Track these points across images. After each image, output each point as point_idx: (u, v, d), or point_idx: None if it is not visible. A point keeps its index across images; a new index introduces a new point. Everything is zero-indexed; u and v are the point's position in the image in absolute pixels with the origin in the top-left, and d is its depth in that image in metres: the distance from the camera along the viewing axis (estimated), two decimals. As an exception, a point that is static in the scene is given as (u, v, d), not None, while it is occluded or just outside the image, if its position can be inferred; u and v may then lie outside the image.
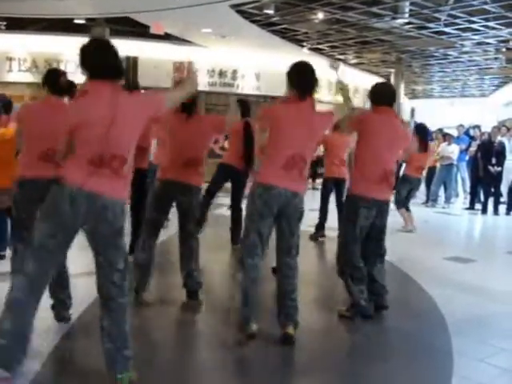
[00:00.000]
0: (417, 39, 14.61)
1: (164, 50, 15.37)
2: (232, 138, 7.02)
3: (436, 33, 13.75)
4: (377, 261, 4.68)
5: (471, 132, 13.94)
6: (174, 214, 4.94)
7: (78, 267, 4.73)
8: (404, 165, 8.89)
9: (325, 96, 18.27)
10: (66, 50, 15.21)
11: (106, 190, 2.95)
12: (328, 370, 3.68)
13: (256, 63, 17.24)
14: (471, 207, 12.00)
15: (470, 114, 24.49)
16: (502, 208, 11.61)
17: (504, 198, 12.07)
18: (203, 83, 16.71)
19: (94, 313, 4.25)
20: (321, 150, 8.94)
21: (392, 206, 5.52)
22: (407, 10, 11.82)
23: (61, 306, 4.11)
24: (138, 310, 4.44)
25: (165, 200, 4.81)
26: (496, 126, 13.05)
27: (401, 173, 8.94)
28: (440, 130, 13.89)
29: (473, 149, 12.46)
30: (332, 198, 7.74)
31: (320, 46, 16.32)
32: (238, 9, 11.78)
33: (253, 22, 12.94)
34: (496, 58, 17.15)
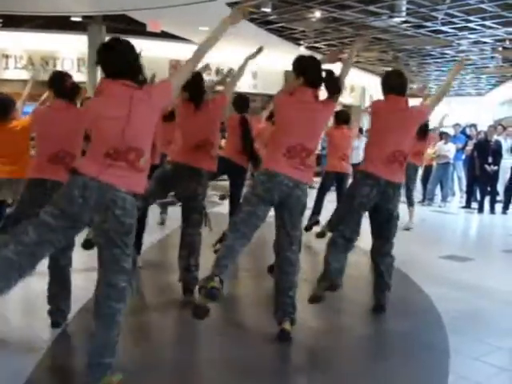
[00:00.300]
0: (414, 38, 14.61)
1: (161, 47, 15.35)
2: (229, 134, 6.99)
3: (433, 32, 13.75)
4: (385, 254, 4.67)
5: (467, 131, 13.96)
6: (173, 212, 4.93)
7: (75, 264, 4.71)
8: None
9: (323, 93, 18.31)
10: (63, 48, 15.22)
11: (120, 182, 2.92)
12: (325, 368, 3.68)
13: (253, 61, 17.22)
14: (467, 206, 12.03)
15: (467, 113, 24.52)
16: (499, 207, 11.64)
17: (500, 197, 12.10)
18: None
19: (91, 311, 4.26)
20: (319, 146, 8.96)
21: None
22: (404, 8, 11.82)
23: (58, 314, 4.10)
24: (134, 308, 4.43)
25: (170, 179, 4.76)
26: (492, 125, 13.08)
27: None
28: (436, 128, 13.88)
29: (469, 148, 12.48)
30: (331, 198, 7.74)
31: (317, 45, 16.31)
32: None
33: (250, 20, 12.92)
34: (492, 58, 17.17)
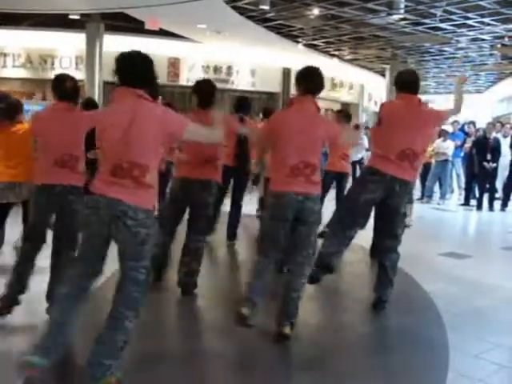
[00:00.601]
0: (412, 35, 14.61)
1: (159, 45, 15.32)
2: (226, 139, 6.90)
3: (431, 29, 13.74)
4: (391, 250, 4.68)
5: (466, 128, 13.96)
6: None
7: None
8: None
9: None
10: (61, 46, 15.18)
11: (127, 198, 2.98)
12: (325, 364, 3.68)
13: (251, 59, 17.22)
14: (466, 203, 12.03)
15: (465, 110, 24.54)
16: (497, 204, 11.64)
17: (499, 194, 12.10)
18: (198, 79, 16.68)
19: (90, 308, 4.26)
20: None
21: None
22: (403, 5, 11.81)
23: None
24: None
25: (181, 198, 4.83)
26: (491, 122, 13.07)
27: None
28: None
29: (468, 145, 12.47)
30: (330, 197, 7.73)
31: (315, 42, 16.30)
32: (233, 4, 11.74)
33: (248, 17, 12.90)
34: (491, 55, 17.16)
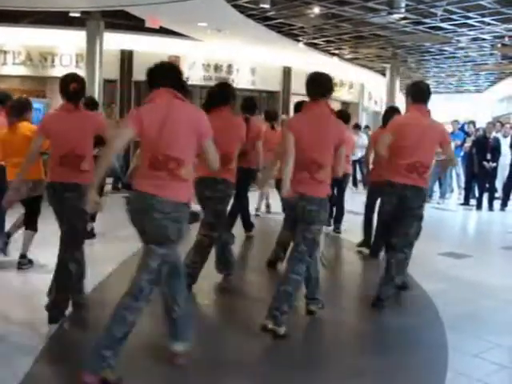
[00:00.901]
0: (413, 34, 14.60)
1: (159, 43, 15.31)
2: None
3: (432, 28, 13.73)
4: (397, 249, 4.76)
5: (466, 128, 13.96)
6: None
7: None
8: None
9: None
10: (61, 44, 15.15)
11: (157, 191, 3.15)
12: (323, 363, 3.69)
13: (251, 57, 17.19)
14: (466, 203, 12.03)
15: (465, 110, 24.54)
16: (497, 204, 11.64)
17: (499, 194, 12.10)
18: (198, 77, 16.68)
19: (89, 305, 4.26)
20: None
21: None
22: (403, 4, 11.79)
23: (56, 310, 4.11)
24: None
25: (201, 196, 4.86)
26: (491, 122, 13.07)
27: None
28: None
29: (468, 144, 12.47)
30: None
31: (316, 41, 16.28)
32: (233, 3, 11.73)
33: (248, 16, 12.89)
34: (491, 54, 17.16)
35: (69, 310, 4.18)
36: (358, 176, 14.38)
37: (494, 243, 8.59)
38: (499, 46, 15.53)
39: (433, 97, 5.03)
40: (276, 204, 9.45)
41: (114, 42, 14.56)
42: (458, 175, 13.45)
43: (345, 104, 20.48)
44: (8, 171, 5.62)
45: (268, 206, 9.35)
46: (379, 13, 12.50)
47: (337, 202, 7.59)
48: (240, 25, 13.40)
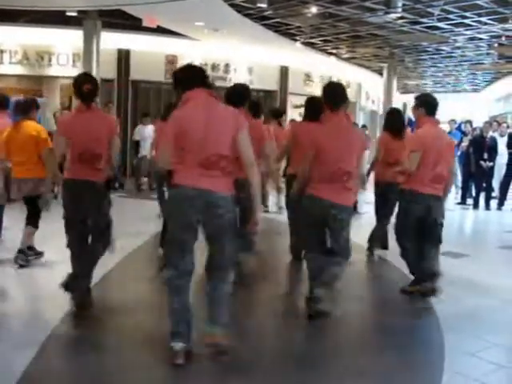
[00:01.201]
0: (410, 34, 14.61)
1: (156, 43, 15.30)
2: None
3: (429, 28, 13.74)
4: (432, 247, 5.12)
5: (463, 127, 13.98)
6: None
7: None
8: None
9: (319, 90, 18.30)
10: (58, 43, 15.11)
11: (214, 187, 3.42)
12: (320, 365, 3.69)
13: (249, 57, 17.18)
14: (463, 202, 12.04)
15: (462, 109, 24.59)
16: (494, 203, 11.66)
17: (495, 193, 12.12)
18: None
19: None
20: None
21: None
22: (400, 4, 11.80)
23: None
24: (130, 302, 4.42)
25: None
26: (487, 122, 13.09)
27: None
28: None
29: (465, 144, 12.49)
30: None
31: (313, 41, 16.28)
32: (230, 2, 11.72)
33: (246, 15, 12.88)
34: (488, 54, 17.18)
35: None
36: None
37: (491, 242, 8.61)
38: (496, 45, 15.56)
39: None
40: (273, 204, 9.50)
41: (111, 41, 14.53)
42: (455, 174, 13.46)
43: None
44: (12, 170, 5.71)
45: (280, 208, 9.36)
46: (376, 12, 12.51)
47: None
48: (237, 24, 13.39)
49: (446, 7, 11.71)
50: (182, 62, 16.14)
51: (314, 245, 4.53)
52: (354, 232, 4.72)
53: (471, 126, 13.86)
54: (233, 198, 3.53)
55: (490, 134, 11.95)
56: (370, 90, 23.52)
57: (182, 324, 3.50)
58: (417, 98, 5.23)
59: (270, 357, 3.81)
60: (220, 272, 3.59)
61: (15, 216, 6.21)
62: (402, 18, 12.85)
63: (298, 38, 15.68)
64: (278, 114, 9.48)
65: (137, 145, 13.25)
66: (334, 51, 17.76)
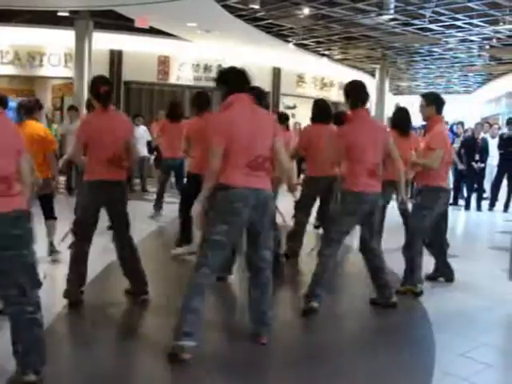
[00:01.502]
0: (402, 35, 14.67)
1: (149, 43, 15.29)
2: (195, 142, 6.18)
3: (421, 29, 13.81)
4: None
5: (455, 128, 14.02)
6: (166, 206, 4.90)
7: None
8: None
9: (311, 91, 18.35)
10: (50, 43, 15.06)
11: (262, 185, 3.64)
12: (313, 363, 3.69)
13: (241, 58, 17.19)
14: (454, 203, 12.07)
15: (454, 111, 24.67)
16: (485, 204, 11.71)
17: (487, 194, 12.17)
18: (188, 78, 16.65)
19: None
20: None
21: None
22: (392, 6, 11.86)
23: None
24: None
25: None
26: (479, 123, 13.15)
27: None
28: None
29: (456, 145, 12.53)
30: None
31: (305, 42, 16.32)
32: (223, 3, 11.74)
33: (238, 16, 12.90)
34: (480, 56, 17.27)
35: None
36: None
37: (482, 243, 8.64)
38: (487, 47, 15.64)
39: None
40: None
41: (103, 41, 14.50)
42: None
43: (334, 104, 20.51)
44: None
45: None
46: (369, 14, 12.56)
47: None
48: (230, 25, 13.41)
49: (438, 9, 11.78)
50: (174, 63, 16.19)
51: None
52: (353, 232, 4.75)
53: (463, 127, 13.91)
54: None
55: (482, 135, 12.01)
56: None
57: (195, 324, 3.53)
58: (426, 96, 5.30)
59: (261, 357, 3.80)
60: (265, 264, 3.78)
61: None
62: (394, 19, 12.91)
63: (290, 39, 15.71)
64: (285, 118, 9.44)
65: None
66: (327, 52, 17.81)
